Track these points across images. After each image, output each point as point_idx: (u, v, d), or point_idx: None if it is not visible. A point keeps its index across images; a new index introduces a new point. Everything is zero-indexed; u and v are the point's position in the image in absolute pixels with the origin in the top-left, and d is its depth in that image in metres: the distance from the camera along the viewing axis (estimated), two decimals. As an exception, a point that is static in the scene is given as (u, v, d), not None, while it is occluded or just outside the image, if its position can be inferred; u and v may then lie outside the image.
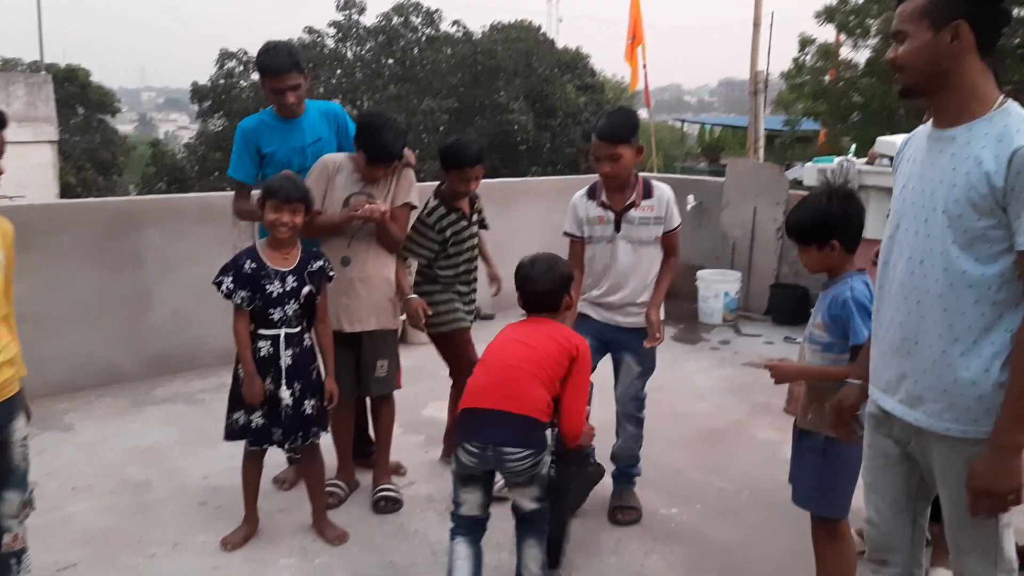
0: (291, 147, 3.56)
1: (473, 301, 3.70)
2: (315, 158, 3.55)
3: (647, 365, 3.40)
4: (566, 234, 3.39)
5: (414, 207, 3.46)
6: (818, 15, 16.68)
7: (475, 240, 3.68)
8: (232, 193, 3.74)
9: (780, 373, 2.55)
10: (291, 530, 3.32)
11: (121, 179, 28.12)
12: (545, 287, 2.75)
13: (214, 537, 3.23)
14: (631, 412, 3.44)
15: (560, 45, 26.67)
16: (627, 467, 3.53)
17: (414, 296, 3.49)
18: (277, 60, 3.42)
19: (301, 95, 3.48)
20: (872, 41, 16.56)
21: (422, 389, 4.60)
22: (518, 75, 23.57)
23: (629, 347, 3.35)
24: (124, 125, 41.83)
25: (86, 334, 4.91)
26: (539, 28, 26.28)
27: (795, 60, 17.37)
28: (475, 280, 3.69)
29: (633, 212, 3.25)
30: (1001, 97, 1.78)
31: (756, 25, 8.26)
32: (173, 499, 3.58)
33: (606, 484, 3.53)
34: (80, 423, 4.44)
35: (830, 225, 2.41)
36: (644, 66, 12.54)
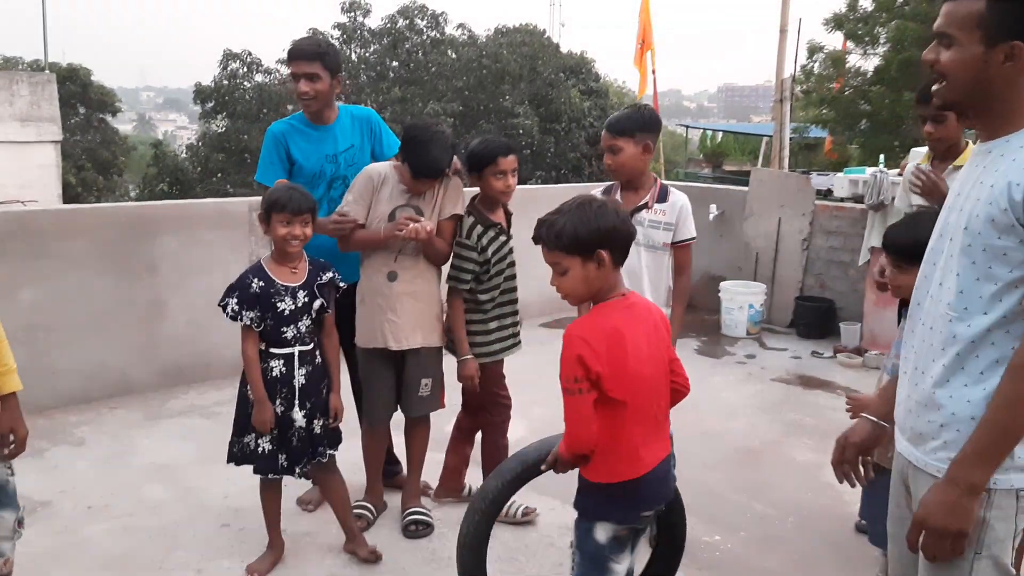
0: (323, 154, 3.41)
1: (516, 323, 3.45)
2: (348, 165, 3.42)
3: None
4: None
5: (462, 217, 3.28)
6: (827, 23, 16.62)
7: (513, 257, 3.41)
8: (242, 199, 3.59)
9: (861, 407, 2.40)
10: (319, 554, 3.17)
11: (121, 179, 27.99)
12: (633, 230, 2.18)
13: (239, 563, 3.08)
14: None
15: (563, 50, 26.57)
16: None
17: (470, 357, 3.28)
18: (299, 45, 3.34)
19: (319, 89, 3.31)
20: (881, 49, 16.51)
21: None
22: (523, 79, 23.46)
23: None
24: (123, 125, 41.63)
25: (98, 343, 4.75)
26: (544, 32, 26.20)
27: (803, 68, 17.31)
28: (516, 301, 3.44)
29: (644, 214, 3.13)
30: None
31: (783, 32, 8.10)
32: (193, 521, 3.42)
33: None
34: (93, 437, 4.27)
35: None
36: (653, 72, 12.46)
